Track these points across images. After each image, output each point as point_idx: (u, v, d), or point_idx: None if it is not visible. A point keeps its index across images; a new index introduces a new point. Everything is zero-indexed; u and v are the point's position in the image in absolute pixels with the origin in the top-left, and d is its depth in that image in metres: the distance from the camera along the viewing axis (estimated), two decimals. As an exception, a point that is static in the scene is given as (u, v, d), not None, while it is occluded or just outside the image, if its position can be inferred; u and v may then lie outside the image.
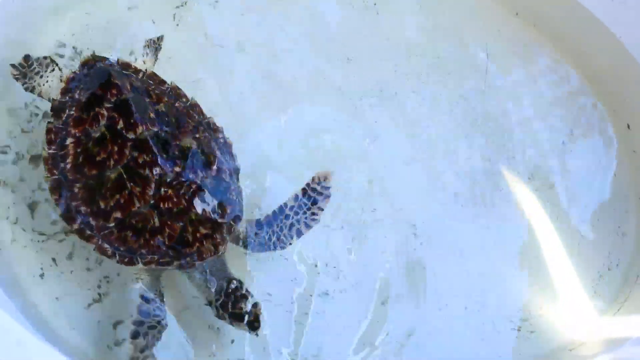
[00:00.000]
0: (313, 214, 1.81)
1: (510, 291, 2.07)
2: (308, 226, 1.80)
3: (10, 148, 1.89)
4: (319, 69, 2.26)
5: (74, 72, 1.75)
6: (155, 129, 1.66)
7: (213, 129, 1.83)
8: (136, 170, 1.61)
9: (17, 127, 1.91)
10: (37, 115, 1.94)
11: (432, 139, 2.24)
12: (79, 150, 1.65)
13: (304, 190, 1.82)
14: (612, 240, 2.21)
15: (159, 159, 1.62)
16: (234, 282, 1.65)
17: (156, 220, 1.61)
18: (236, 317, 1.61)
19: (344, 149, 2.15)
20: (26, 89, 1.80)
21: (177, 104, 1.80)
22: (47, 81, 1.80)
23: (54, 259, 1.80)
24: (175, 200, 1.62)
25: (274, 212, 1.81)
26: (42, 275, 1.78)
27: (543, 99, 2.39)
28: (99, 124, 1.65)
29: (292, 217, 1.79)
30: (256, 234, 1.77)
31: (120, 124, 1.64)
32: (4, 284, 1.69)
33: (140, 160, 1.61)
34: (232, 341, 1.80)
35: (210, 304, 1.67)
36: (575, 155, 2.32)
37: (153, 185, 1.61)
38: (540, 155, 2.29)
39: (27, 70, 1.79)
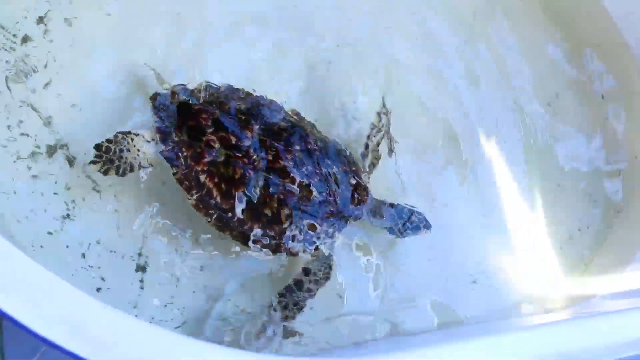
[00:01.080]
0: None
1: (474, 244, 2.08)
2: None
3: None
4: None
5: (155, 121, 1.71)
6: (257, 126, 1.71)
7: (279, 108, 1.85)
8: (274, 167, 1.68)
9: None
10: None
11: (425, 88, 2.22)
12: (216, 180, 1.66)
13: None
14: (585, 205, 2.26)
15: (279, 148, 1.70)
16: (398, 205, 1.89)
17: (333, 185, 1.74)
18: (416, 228, 1.89)
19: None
20: (124, 173, 1.66)
21: (245, 100, 1.81)
22: (138, 150, 1.69)
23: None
24: (319, 172, 1.73)
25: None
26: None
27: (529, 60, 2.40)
28: (216, 148, 1.66)
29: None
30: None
31: (233, 139, 1.67)
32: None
33: (270, 157, 1.68)
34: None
35: (391, 230, 1.89)
36: (561, 119, 2.34)
37: (295, 169, 1.69)
38: (524, 117, 2.30)
39: (109, 156, 1.64)
